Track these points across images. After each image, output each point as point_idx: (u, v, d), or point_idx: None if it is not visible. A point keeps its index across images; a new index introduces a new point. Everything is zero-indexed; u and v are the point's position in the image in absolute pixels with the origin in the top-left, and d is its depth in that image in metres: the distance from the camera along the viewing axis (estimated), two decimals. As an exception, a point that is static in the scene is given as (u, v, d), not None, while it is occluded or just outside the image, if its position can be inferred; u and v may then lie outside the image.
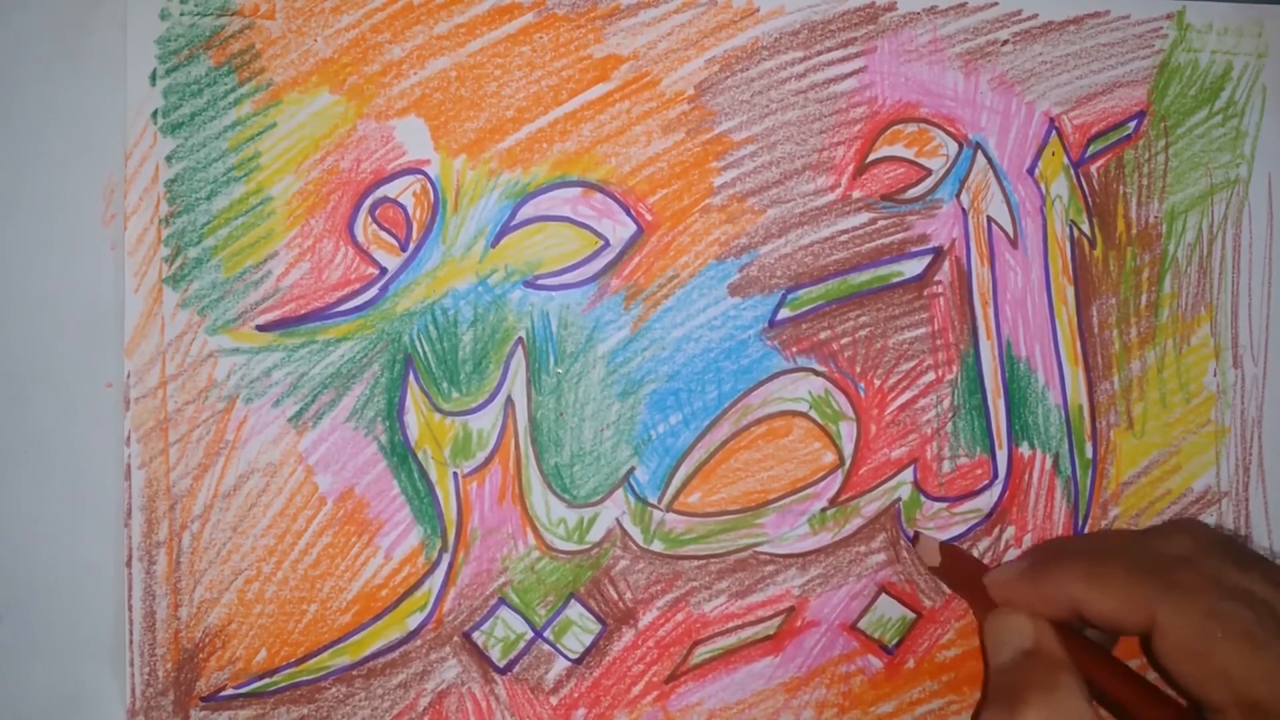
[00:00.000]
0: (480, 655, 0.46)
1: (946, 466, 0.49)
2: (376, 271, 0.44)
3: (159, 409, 0.43)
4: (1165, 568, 0.36)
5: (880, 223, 0.48)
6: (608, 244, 0.46)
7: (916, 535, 0.48)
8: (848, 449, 0.49)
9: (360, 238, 0.44)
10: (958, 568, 0.40)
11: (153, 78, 0.43)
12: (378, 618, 0.45)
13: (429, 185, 0.45)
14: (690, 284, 0.47)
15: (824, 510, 0.48)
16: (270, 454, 0.44)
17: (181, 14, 0.43)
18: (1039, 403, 0.50)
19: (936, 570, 0.41)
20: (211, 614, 0.43)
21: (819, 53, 0.48)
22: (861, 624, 0.49)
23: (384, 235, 0.44)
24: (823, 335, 0.48)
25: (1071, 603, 0.36)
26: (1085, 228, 0.51)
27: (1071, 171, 0.50)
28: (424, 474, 0.45)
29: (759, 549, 0.48)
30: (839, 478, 0.48)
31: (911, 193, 0.49)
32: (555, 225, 0.46)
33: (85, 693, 0.43)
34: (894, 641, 0.49)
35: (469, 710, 0.46)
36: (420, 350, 0.45)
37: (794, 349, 0.48)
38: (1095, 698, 0.35)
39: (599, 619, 0.47)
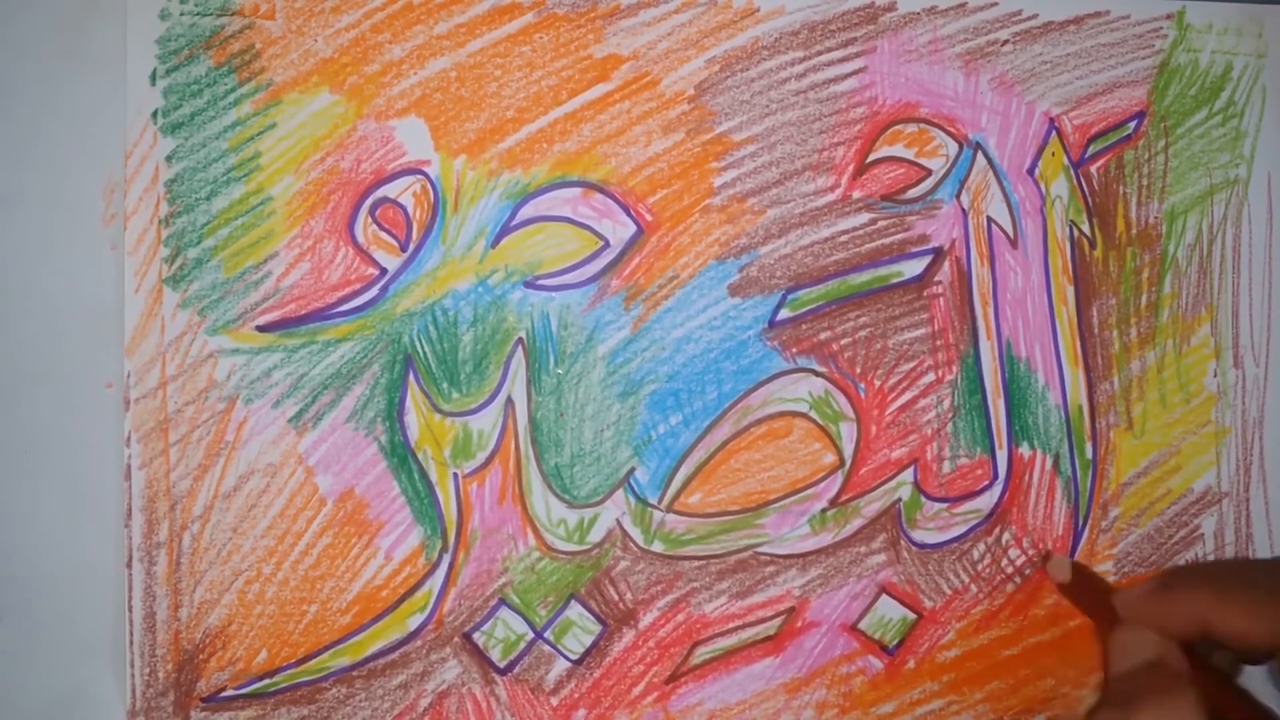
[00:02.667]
0: (480, 656, 0.46)
1: (947, 467, 0.49)
2: (376, 272, 0.44)
3: (159, 409, 0.43)
4: None
5: (880, 223, 0.48)
6: (608, 244, 0.46)
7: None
8: (848, 449, 0.49)
9: (360, 238, 0.44)
10: (1086, 585, 0.41)
11: (153, 78, 0.43)
12: (378, 618, 0.45)
13: (429, 185, 0.45)
14: (690, 284, 0.47)
15: (824, 511, 0.48)
16: (270, 454, 0.44)
17: (181, 14, 0.43)
18: (1039, 403, 0.50)
19: (1064, 587, 0.42)
20: (212, 615, 0.43)
21: (819, 53, 0.48)
22: (862, 624, 0.49)
23: (384, 235, 0.44)
24: (823, 336, 0.48)
25: (1201, 619, 0.37)
26: (1085, 228, 0.51)
27: (1071, 172, 0.50)
28: (424, 475, 0.45)
29: (759, 549, 0.48)
30: (839, 478, 0.48)
31: (911, 193, 0.49)
32: (555, 225, 0.46)
33: (85, 693, 0.43)
34: (894, 642, 0.49)
35: (469, 711, 0.46)
36: (420, 350, 0.45)
37: (794, 349, 0.48)
38: None
39: (599, 620, 0.47)
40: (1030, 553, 0.50)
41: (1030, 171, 0.50)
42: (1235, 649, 0.37)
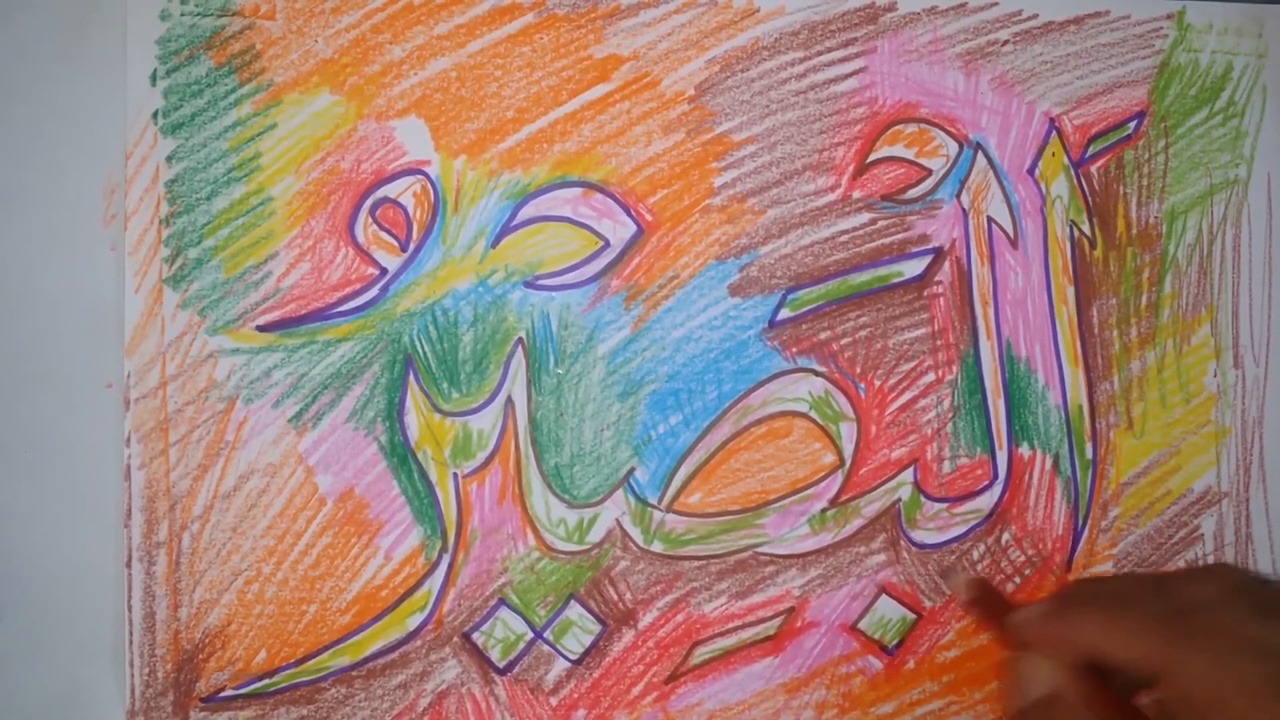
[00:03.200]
0: (480, 656, 0.46)
1: (947, 467, 0.49)
2: (377, 272, 0.44)
3: (159, 409, 0.43)
4: (1181, 615, 0.35)
5: (880, 223, 0.48)
6: (608, 244, 0.46)
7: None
8: (848, 449, 0.49)
9: (360, 238, 0.44)
10: (987, 604, 0.40)
11: (153, 78, 0.43)
12: (378, 618, 0.45)
13: (429, 186, 0.45)
14: (690, 284, 0.47)
15: (824, 511, 0.48)
16: (270, 454, 0.44)
17: (182, 14, 0.43)
18: (1039, 403, 0.50)
19: (967, 605, 0.41)
20: (211, 615, 0.43)
21: (819, 53, 0.48)
22: (861, 625, 0.49)
23: (384, 236, 0.44)
24: (823, 335, 0.48)
25: (1089, 647, 0.36)
26: (1085, 228, 0.51)
27: (1072, 172, 0.50)
28: (424, 474, 0.45)
29: (759, 549, 0.48)
30: (839, 478, 0.48)
31: (912, 193, 0.49)
32: (555, 225, 0.46)
33: (85, 693, 0.43)
34: (894, 642, 0.49)
35: (469, 711, 0.46)
36: (420, 350, 0.45)
37: (794, 349, 0.48)
38: None
39: (599, 619, 0.47)
40: (1030, 553, 0.50)
41: (1030, 171, 0.50)
42: (1129, 676, 0.37)
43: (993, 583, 0.45)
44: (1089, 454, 0.51)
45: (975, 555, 0.50)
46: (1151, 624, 0.35)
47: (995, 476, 0.50)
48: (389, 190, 0.44)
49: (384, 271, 0.44)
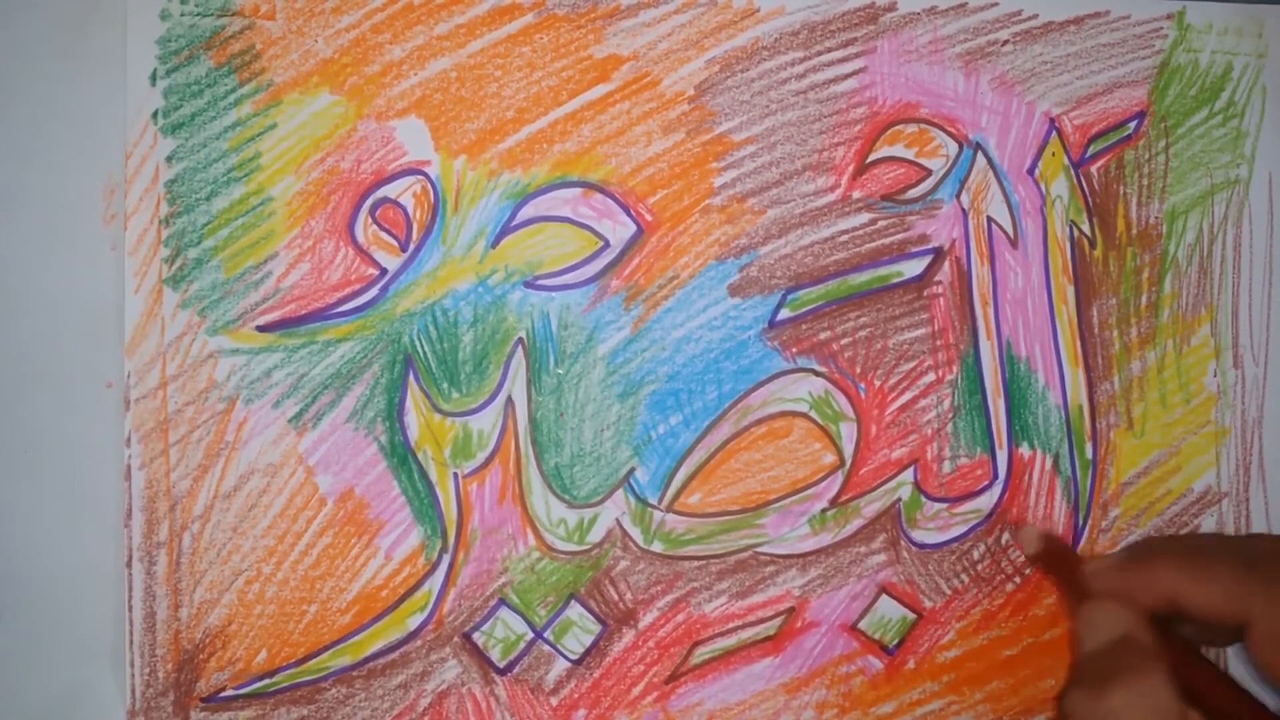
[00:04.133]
0: (480, 656, 0.46)
1: (947, 467, 0.49)
2: (377, 272, 0.44)
3: (159, 409, 0.43)
4: (1263, 561, 0.36)
5: (880, 223, 0.48)
6: (608, 244, 0.46)
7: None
8: (848, 449, 0.49)
9: (360, 238, 0.44)
10: (1057, 556, 0.41)
11: (153, 78, 0.43)
12: (378, 618, 0.45)
13: (429, 186, 0.45)
14: (690, 284, 0.47)
15: (824, 511, 0.48)
16: (270, 455, 0.44)
17: (182, 14, 0.43)
18: (1039, 403, 0.50)
19: (1034, 559, 0.42)
20: (211, 615, 0.43)
21: (819, 53, 0.48)
22: (862, 625, 0.49)
23: (384, 236, 0.44)
24: (823, 336, 0.48)
25: (1169, 593, 0.37)
26: (1085, 228, 0.51)
27: (1072, 172, 0.50)
28: (424, 474, 0.45)
29: (759, 550, 0.48)
30: (839, 478, 0.48)
31: (911, 193, 0.49)
32: (555, 226, 0.46)
33: (85, 693, 0.43)
34: (894, 642, 0.49)
35: (469, 711, 0.46)
36: (420, 351, 0.45)
37: (794, 349, 0.48)
38: (1184, 697, 0.35)
39: (599, 619, 0.47)
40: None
41: (1030, 171, 0.50)
42: (1202, 624, 0.37)
43: (1059, 537, 0.45)
44: (1089, 454, 0.51)
45: (975, 555, 0.50)
46: (1235, 569, 0.36)
47: (995, 476, 0.50)
48: (389, 190, 0.44)
49: (384, 271, 0.44)
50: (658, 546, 0.47)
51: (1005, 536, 0.50)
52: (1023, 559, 0.50)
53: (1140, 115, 0.51)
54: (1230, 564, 0.37)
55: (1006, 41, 0.49)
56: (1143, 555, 0.38)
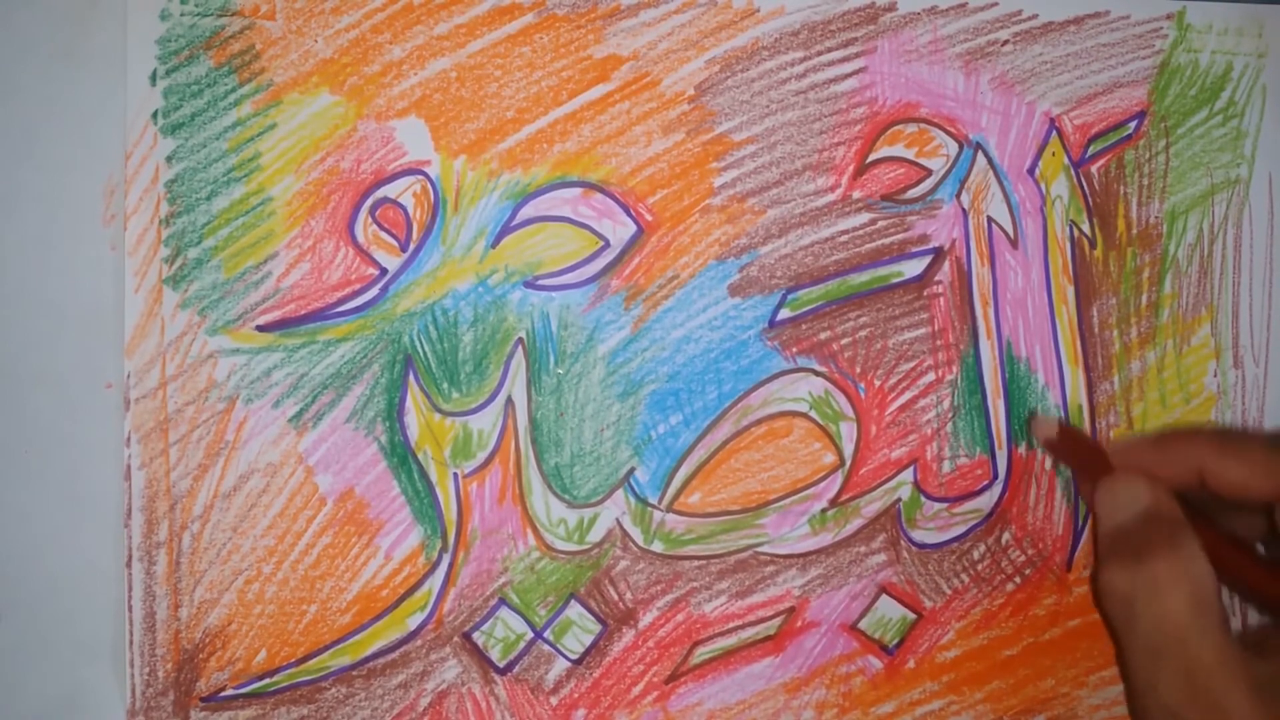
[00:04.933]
0: (480, 655, 0.46)
1: (947, 467, 0.49)
2: (377, 272, 0.44)
3: (159, 409, 0.43)
4: None
5: (880, 223, 0.48)
6: (608, 244, 0.46)
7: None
8: (848, 449, 0.49)
9: (360, 238, 0.44)
10: (1074, 440, 0.40)
11: (153, 78, 0.43)
12: (378, 618, 0.45)
13: (429, 186, 0.45)
14: (690, 284, 0.47)
15: (824, 511, 0.48)
16: (270, 454, 0.44)
17: (182, 14, 0.43)
18: (1039, 403, 0.50)
19: (1051, 444, 0.41)
20: (211, 614, 0.43)
21: (819, 53, 0.48)
22: (862, 624, 0.49)
23: (384, 236, 0.44)
24: (823, 335, 0.48)
25: (1198, 465, 0.36)
26: (1085, 228, 0.51)
27: (1072, 171, 0.50)
28: (424, 474, 0.45)
29: (759, 549, 0.48)
30: (839, 478, 0.48)
31: (912, 193, 0.49)
32: (555, 226, 0.46)
33: (85, 693, 0.43)
34: (894, 642, 0.49)
35: (469, 710, 0.46)
36: (420, 351, 0.45)
37: (794, 349, 0.48)
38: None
39: (599, 619, 0.47)
40: (1030, 553, 0.50)
41: (1030, 171, 0.50)
42: (1230, 501, 0.36)
43: (1073, 426, 0.45)
44: (1089, 454, 0.51)
45: (975, 555, 0.50)
46: (1266, 448, 0.36)
47: (995, 476, 0.50)
48: (389, 190, 0.44)
49: (384, 271, 0.44)
50: (658, 546, 0.47)
51: (1005, 536, 0.50)
52: (1022, 560, 0.50)
53: (1140, 115, 0.51)
54: (1262, 443, 0.36)
55: (1006, 41, 0.49)
56: (1171, 434, 0.37)
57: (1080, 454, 0.40)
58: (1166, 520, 0.36)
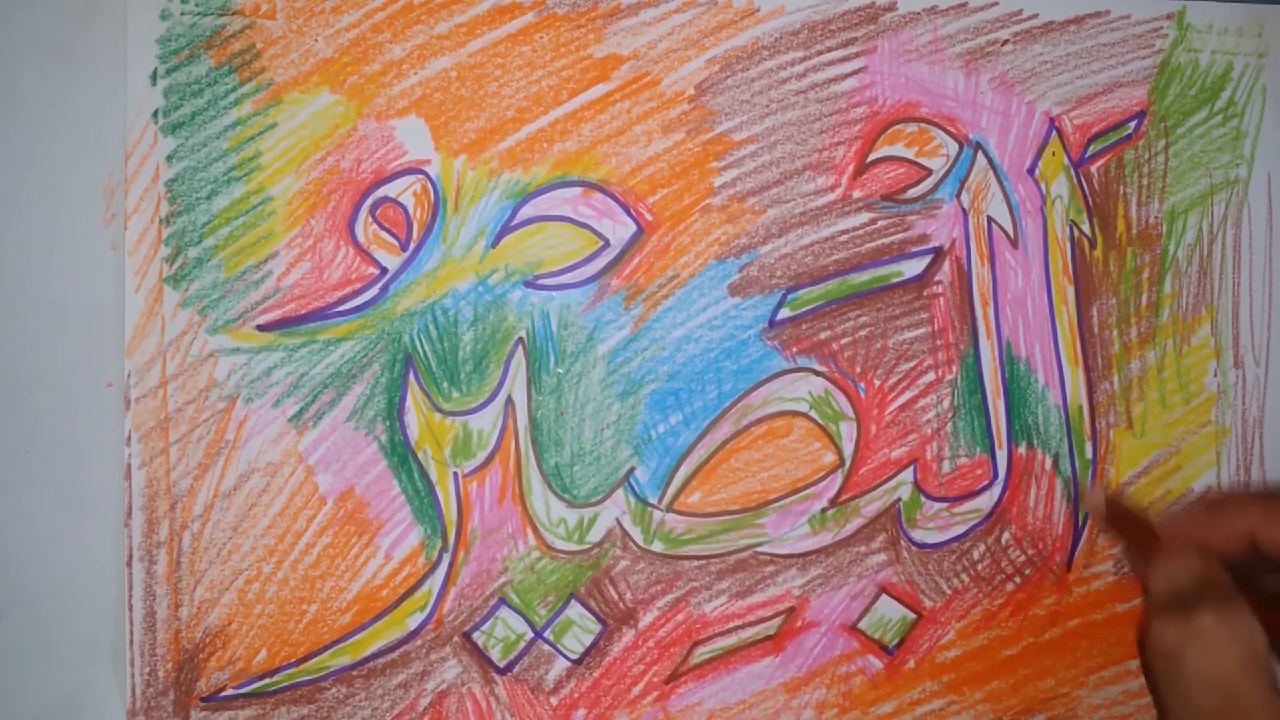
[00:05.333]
0: (480, 655, 0.46)
1: (946, 466, 0.49)
2: (377, 271, 0.44)
3: (159, 409, 0.43)
4: None
5: (880, 223, 0.48)
6: (608, 244, 0.46)
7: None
8: (848, 449, 0.49)
9: (361, 237, 0.44)
10: (1123, 512, 0.41)
11: (153, 77, 0.43)
12: (378, 618, 0.45)
13: (429, 185, 0.45)
14: (690, 284, 0.47)
15: (824, 510, 0.48)
16: (270, 454, 0.44)
17: (182, 14, 0.43)
18: (1039, 403, 0.50)
19: (1101, 519, 0.42)
20: (212, 614, 0.43)
21: (819, 53, 0.48)
22: (862, 624, 0.49)
23: (384, 235, 0.44)
24: (823, 335, 0.48)
25: (1249, 532, 0.37)
26: (1085, 228, 0.51)
27: (1072, 171, 0.50)
28: (424, 474, 0.45)
29: (759, 549, 0.48)
30: (839, 478, 0.48)
31: (912, 193, 0.49)
32: (555, 225, 0.46)
33: (85, 693, 0.43)
34: (894, 642, 0.49)
35: (469, 710, 0.45)
36: (420, 350, 0.45)
37: (794, 349, 0.48)
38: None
39: (599, 619, 0.47)
40: (1030, 553, 0.50)
41: (1030, 171, 0.50)
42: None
43: (1121, 497, 0.45)
44: (1089, 454, 0.51)
45: (975, 555, 0.50)
46: None
47: (995, 476, 0.50)
48: (389, 190, 0.44)
49: (384, 271, 0.44)
50: (658, 546, 0.47)
51: (1005, 536, 0.50)
52: (1022, 559, 0.50)
53: (1140, 115, 0.51)
54: None
55: (1006, 41, 0.49)
56: (1219, 502, 0.38)
57: (1129, 529, 0.40)
58: (1219, 585, 0.36)
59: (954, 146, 0.49)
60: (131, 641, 0.43)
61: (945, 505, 0.49)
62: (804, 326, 0.48)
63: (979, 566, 0.50)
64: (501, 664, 0.46)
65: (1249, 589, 0.37)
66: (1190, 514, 0.38)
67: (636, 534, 0.47)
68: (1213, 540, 0.37)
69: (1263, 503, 0.37)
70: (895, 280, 0.49)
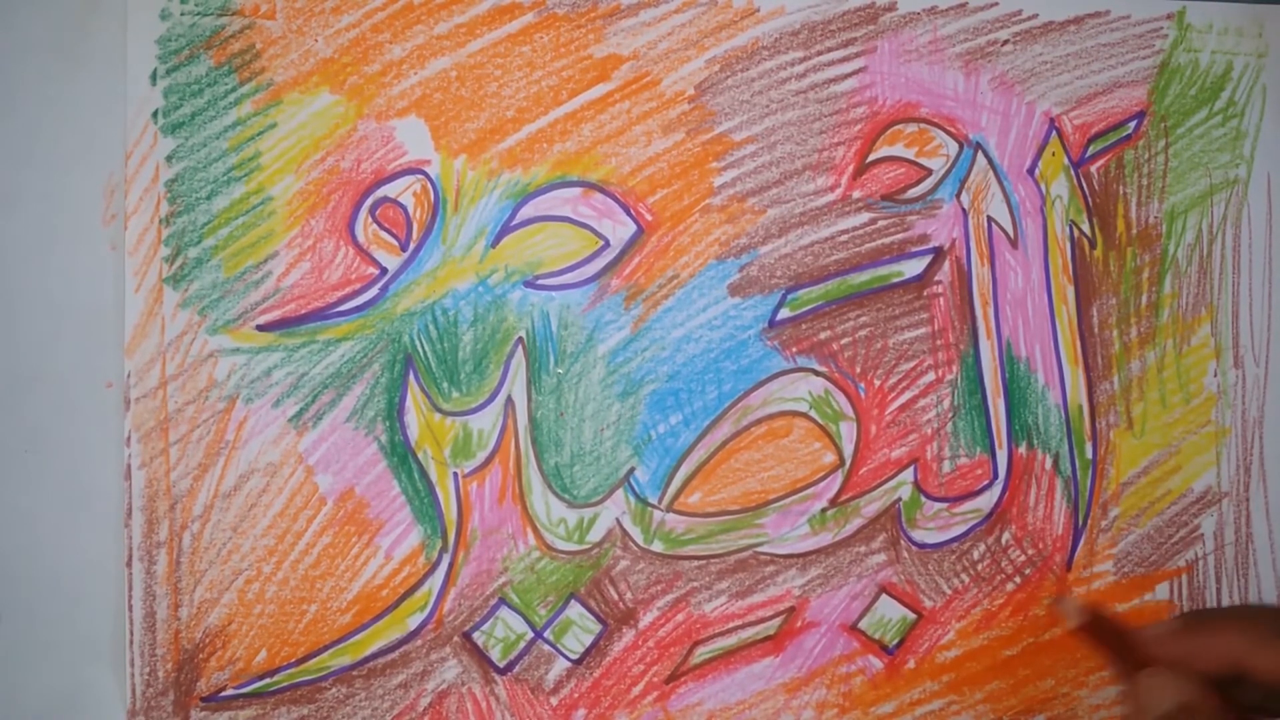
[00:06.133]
0: (480, 655, 0.46)
1: (947, 466, 0.49)
2: (377, 271, 0.44)
3: (159, 409, 0.43)
4: None
5: (880, 223, 0.48)
6: (608, 244, 0.46)
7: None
8: (848, 449, 0.49)
9: (361, 238, 0.44)
10: (1102, 626, 0.41)
11: (153, 77, 0.43)
12: (378, 618, 0.45)
13: (429, 185, 0.45)
14: (690, 284, 0.47)
15: (824, 510, 0.48)
16: (270, 454, 0.44)
17: (182, 14, 0.43)
18: (1039, 403, 0.50)
19: (1079, 630, 0.42)
20: (212, 614, 0.43)
21: (819, 53, 0.48)
22: (862, 624, 0.49)
23: (384, 235, 0.44)
24: (823, 335, 0.48)
25: (1235, 656, 0.37)
26: (1085, 228, 0.51)
27: (1072, 171, 0.50)
28: (424, 474, 0.45)
29: (759, 549, 0.48)
30: (839, 478, 0.48)
31: (912, 193, 0.49)
32: (555, 225, 0.46)
33: (85, 693, 0.43)
34: (894, 642, 0.49)
35: (469, 710, 0.46)
36: (420, 350, 0.45)
37: (794, 349, 0.48)
38: None
39: (599, 619, 0.47)
40: (1030, 553, 0.50)
41: (1030, 171, 0.50)
42: (1266, 692, 0.37)
43: (1101, 606, 0.45)
44: (1089, 454, 0.51)
45: (975, 555, 0.50)
46: None
47: (995, 476, 0.50)
48: (389, 190, 0.44)
49: (384, 271, 0.44)
50: (658, 546, 0.47)
51: (1005, 536, 0.50)
52: (1022, 559, 0.50)
53: (1140, 115, 0.51)
54: None
55: (1006, 41, 0.49)
56: (1202, 622, 0.38)
57: (1111, 640, 0.40)
58: (1205, 711, 0.36)
59: (954, 146, 0.49)
60: (131, 641, 0.43)
61: (945, 505, 0.49)
62: (804, 326, 0.48)
63: (979, 566, 0.50)
64: (501, 664, 0.46)
65: (1227, 702, 0.37)
66: (1173, 633, 0.38)
67: (636, 534, 0.47)
68: (1197, 664, 0.37)
69: (1247, 627, 0.37)
70: (895, 280, 0.49)
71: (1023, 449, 0.50)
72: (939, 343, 0.49)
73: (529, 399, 0.45)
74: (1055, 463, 0.51)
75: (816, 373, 0.48)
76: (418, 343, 0.45)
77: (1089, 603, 0.41)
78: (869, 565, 0.49)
